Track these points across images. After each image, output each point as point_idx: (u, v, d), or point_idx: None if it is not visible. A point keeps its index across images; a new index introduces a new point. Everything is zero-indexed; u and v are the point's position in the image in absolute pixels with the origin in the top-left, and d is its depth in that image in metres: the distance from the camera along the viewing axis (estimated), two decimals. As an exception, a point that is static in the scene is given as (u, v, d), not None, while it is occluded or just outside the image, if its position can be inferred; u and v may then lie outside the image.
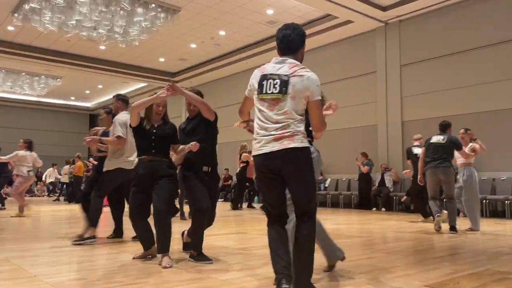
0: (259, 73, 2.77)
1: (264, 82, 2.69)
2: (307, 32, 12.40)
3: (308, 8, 11.29)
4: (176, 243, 4.71)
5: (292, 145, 2.59)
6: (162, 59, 16.24)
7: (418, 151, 8.17)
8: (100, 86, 20.59)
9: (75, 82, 19.60)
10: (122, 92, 21.42)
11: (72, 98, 23.40)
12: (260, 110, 2.71)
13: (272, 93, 2.64)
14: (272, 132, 2.63)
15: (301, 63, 2.77)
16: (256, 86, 2.74)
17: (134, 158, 4.76)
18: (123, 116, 5.05)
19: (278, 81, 2.64)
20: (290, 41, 2.76)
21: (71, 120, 25.18)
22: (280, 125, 2.62)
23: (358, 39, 12.46)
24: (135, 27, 11.18)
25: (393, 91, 11.31)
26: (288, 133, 2.61)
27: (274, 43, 15.36)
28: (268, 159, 2.64)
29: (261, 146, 2.66)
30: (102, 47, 14.69)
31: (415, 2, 10.37)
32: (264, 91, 2.68)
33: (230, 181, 15.33)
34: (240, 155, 11.20)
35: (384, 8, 10.86)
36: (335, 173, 12.06)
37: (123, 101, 5.35)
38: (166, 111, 4.11)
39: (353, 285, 3.05)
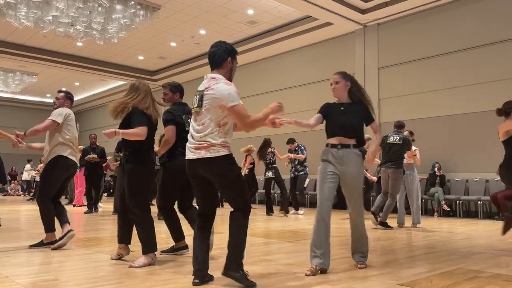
0: None
1: (193, 98, 3.10)
2: (288, 33, 12.67)
3: (288, 9, 11.34)
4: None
5: (208, 155, 2.93)
6: (141, 57, 16.06)
7: None
8: (77, 84, 20.21)
9: (51, 79, 19.20)
10: (100, 90, 21.13)
11: (48, 95, 22.89)
12: (191, 121, 3.12)
13: (194, 107, 3.06)
14: (195, 141, 3.00)
15: (230, 73, 3.13)
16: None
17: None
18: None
19: (198, 96, 3.04)
20: (213, 57, 3.11)
21: (46, 118, 24.66)
22: (199, 135, 2.98)
23: (337, 41, 12.59)
24: (114, 24, 11.02)
25: (371, 93, 11.38)
26: (205, 144, 2.95)
27: (254, 43, 15.37)
28: (190, 165, 3.04)
29: (187, 152, 3.06)
30: (80, 44, 14.44)
31: (393, 6, 10.53)
32: (192, 106, 3.12)
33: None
34: (246, 157, 11.05)
35: (363, 11, 10.99)
36: (314, 173, 12.12)
37: (71, 100, 5.27)
38: (133, 99, 3.88)
39: (328, 283, 3.08)
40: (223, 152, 2.95)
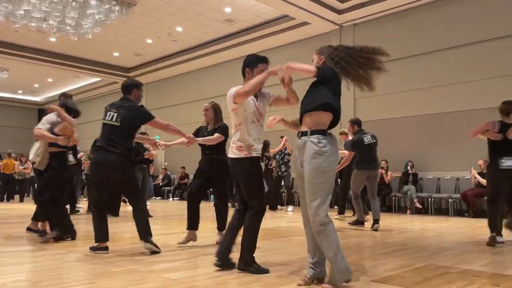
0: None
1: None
2: (265, 32, 12.71)
3: (266, 8, 11.36)
4: (129, 242, 4.61)
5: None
6: (116, 54, 15.80)
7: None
8: (50, 80, 19.75)
9: (23, 75, 18.69)
10: (75, 86, 20.67)
11: (20, 91, 22.30)
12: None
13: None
14: None
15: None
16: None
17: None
18: None
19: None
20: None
21: (18, 114, 24.01)
22: None
23: (314, 41, 12.66)
24: (88, 20, 10.80)
25: (347, 93, 11.51)
26: None
27: (232, 42, 15.26)
28: None
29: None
30: (53, 39, 14.10)
31: (369, 7, 10.69)
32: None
33: (186, 179, 15.18)
34: None
35: (339, 12, 11.11)
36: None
37: (65, 106, 5.20)
38: None
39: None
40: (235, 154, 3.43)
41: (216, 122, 4.84)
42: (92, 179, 4.42)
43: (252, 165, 3.36)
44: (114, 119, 4.20)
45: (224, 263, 3.36)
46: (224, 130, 4.74)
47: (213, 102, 4.93)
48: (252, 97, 3.43)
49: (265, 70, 3.48)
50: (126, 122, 4.19)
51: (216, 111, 4.86)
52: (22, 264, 3.79)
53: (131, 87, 4.44)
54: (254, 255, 3.37)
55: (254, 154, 3.36)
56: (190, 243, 4.75)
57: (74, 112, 5.16)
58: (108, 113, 4.27)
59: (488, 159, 5.19)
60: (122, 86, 4.47)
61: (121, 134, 4.17)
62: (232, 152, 3.36)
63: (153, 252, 4.15)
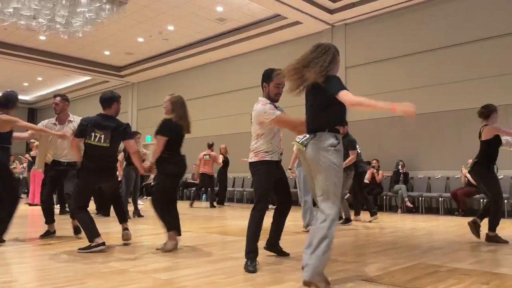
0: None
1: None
2: (257, 31, 12.72)
3: (258, 8, 11.35)
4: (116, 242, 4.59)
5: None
6: (107, 52, 15.70)
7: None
8: (39, 79, 19.56)
9: (12, 73, 18.49)
10: (65, 85, 20.52)
11: (9, 90, 22.05)
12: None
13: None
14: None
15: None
16: None
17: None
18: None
19: None
20: None
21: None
22: None
23: (305, 40, 12.68)
24: (78, 18, 10.70)
25: (339, 92, 11.59)
26: None
27: (223, 41, 15.22)
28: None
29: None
30: (42, 38, 13.97)
31: (360, 7, 10.73)
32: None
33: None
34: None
35: (331, 11, 11.14)
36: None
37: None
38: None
39: (294, 280, 3.11)
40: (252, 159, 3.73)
41: (170, 115, 4.51)
42: (87, 186, 4.43)
43: (259, 167, 3.62)
44: (102, 141, 4.33)
45: (272, 250, 4.18)
46: (160, 130, 4.38)
47: (173, 94, 4.61)
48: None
49: (281, 83, 3.83)
50: (114, 142, 4.45)
51: (171, 103, 4.48)
52: (9, 264, 3.75)
53: (111, 100, 4.49)
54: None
55: (267, 158, 3.63)
56: (181, 244, 4.73)
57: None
58: (93, 134, 4.31)
59: None
60: (101, 99, 4.50)
61: (112, 151, 4.54)
62: (250, 157, 3.71)
63: (126, 238, 4.62)
